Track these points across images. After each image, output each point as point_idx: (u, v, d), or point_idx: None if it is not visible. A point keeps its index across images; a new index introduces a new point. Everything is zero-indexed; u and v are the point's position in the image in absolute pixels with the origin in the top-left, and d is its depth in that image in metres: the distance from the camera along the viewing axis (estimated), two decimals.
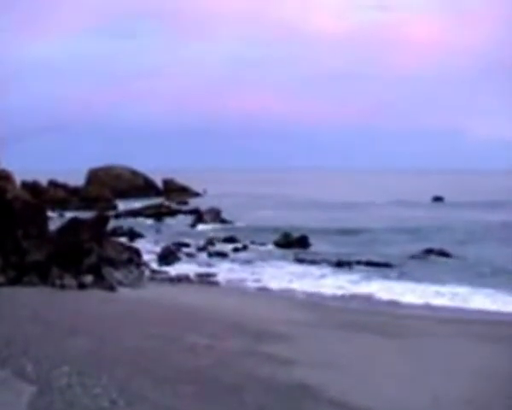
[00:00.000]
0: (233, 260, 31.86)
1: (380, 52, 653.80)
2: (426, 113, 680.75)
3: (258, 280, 26.26)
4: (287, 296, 23.16)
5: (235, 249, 35.31)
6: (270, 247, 36.28)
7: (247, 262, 31.15)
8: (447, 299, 22.63)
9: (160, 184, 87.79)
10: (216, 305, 19.61)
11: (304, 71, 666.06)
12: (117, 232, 38.61)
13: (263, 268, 29.42)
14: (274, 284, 25.39)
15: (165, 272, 27.18)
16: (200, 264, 30.49)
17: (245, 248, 36.16)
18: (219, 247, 35.77)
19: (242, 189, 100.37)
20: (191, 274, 26.66)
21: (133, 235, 39.62)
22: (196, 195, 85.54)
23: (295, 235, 37.27)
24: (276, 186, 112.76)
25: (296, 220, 47.74)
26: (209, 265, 30.28)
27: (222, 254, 33.39)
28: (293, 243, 36.16)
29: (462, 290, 23.88)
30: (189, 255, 33.01)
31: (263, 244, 36.98)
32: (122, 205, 63.84)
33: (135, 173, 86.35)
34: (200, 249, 34.99)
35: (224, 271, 28.45)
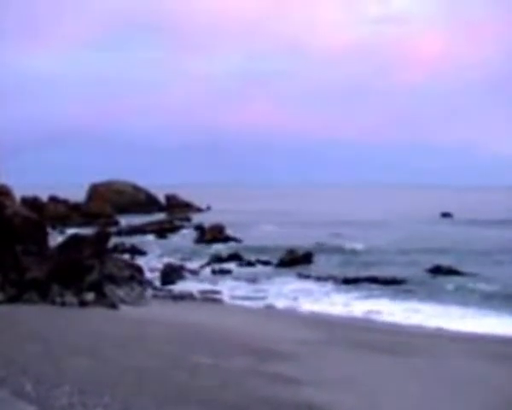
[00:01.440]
0: (237, 278, 31.57)
1: (387, 66, 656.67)
2: (435, 128, 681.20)
3: (262, 298, 25.97)
4: (292, 314, 22.89)
5: (240, 266, 35.02)
6: (275, 264, 35.86)
7: (252, 279, 30.82)
8: (455, 317, 22.32)
9: (162, 199, 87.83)
10: (220, 323, 19.32)
11: (309, 85, 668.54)
12: (118, 249, 38.35)
13: (267, 285, 29.15)
14: (279, 302, 25.09)
15: (168, 290, 26.87)
16: (203, 281, 30.22)
17: (249, 264, 35.86)
18: (223, 264, 35.45)
19: (246, 204, 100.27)
20: (194, 292, 26.33)
21: (135, 252, 39.35)
22: (199, 211, 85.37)
23: (300, 252, 36.92)
24: (279, 202, 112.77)
25: (301, 237, 47.47)
26: (213, 282, 29.97)
27: (226, 272, 33.11)
28: (298, 260, 35.84)
29: (471, 309, 23.62)
30: (193, 272, 32.73)
31: (267, 261, 36.63)
32: (124, 221, 63.76)
33: (137, 189, 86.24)
34: (204, 266, 34.71)
35: (227, 288, 28.19)
